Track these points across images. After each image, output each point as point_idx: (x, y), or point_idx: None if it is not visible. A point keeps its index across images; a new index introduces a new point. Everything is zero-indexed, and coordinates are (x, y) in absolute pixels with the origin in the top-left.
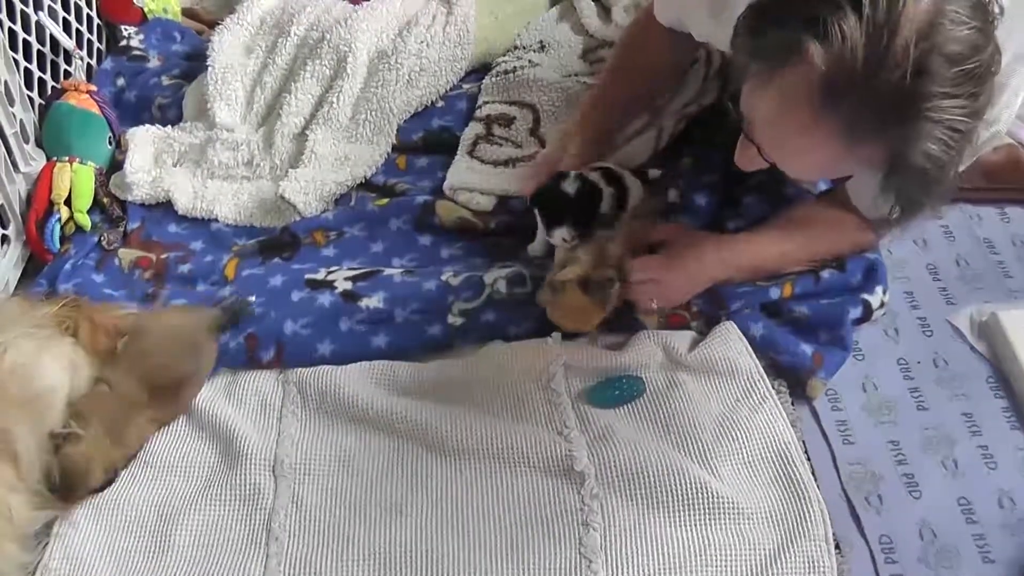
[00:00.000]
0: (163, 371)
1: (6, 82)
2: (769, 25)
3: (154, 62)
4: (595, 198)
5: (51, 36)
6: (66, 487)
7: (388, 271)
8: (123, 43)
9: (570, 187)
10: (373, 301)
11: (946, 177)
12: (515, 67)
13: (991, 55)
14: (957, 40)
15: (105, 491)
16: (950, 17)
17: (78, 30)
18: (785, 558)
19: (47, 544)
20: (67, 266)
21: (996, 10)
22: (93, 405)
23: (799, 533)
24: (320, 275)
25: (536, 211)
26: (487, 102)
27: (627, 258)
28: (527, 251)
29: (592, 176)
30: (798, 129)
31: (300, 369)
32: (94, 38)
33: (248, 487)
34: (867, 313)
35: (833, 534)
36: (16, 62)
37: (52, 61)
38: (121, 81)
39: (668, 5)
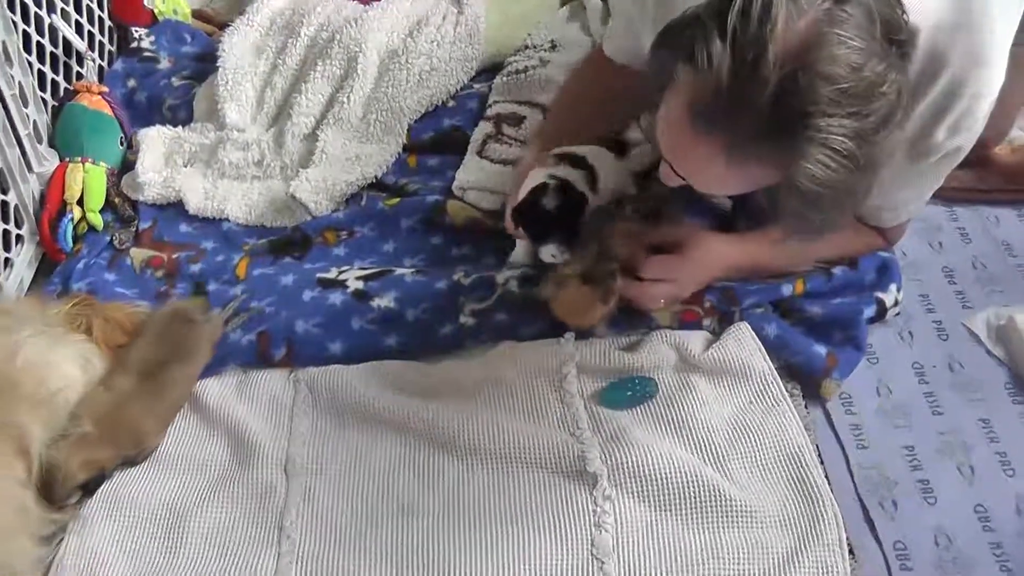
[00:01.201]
0: (144, 352)
1: (20, 83)
2: (658, 51)
3: (164, 63)
4: (578, 206)
5: (64, 38)
6: (46, 486)
7: (399, 271)
8: (134, 45)
9: (551, 203)
10: (384, 301)
11: (843, 199)
12: (526, 67)
13: (878, 73)
14: (832, 59)
15: (120, 489)
16: (827, 38)
17: (90, 32)
18: (798, 563)
19: (62, 541)
20: (80, 265)
21: (900, 25)
22: (84, 404)
23: (812, 538)
24: (331, 274)
25: (521, 228)
26: (497, 101)
27: (640, 254)
28: (508, 260)
29: (566, 174)
30: (683, 148)
31: (311, 368)
32: (105, 40)
33: (260, 485)
34: (881, 312)
35: (847, 539)
36: (30, 64)
37: (64, 63)
38: (132, 82)
39: (622, 37)
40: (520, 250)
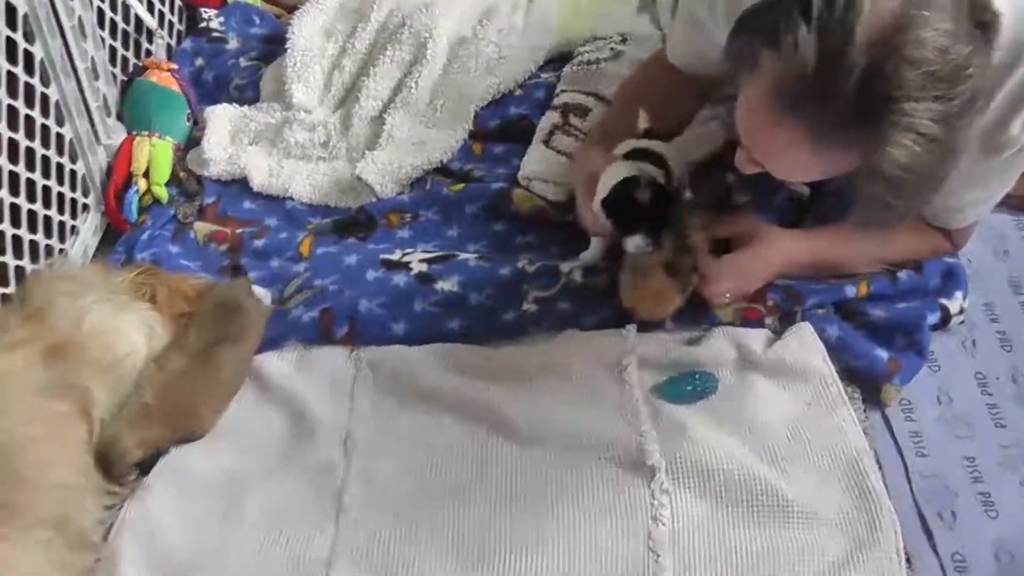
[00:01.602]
0: (195, 334)
1: (92, 58)
2: (739, 36)
3: (233, 44)
4: (668, 199)
5: (135, 15)
6: (104, 462)
7: (463, 255)
8: (203, 25)
9: (644, 195)
10: (448, 284)
11: (924, 183)
12: (598, 59)
13: (964, 56)
14: (919, 43)
15: (181, 458)
16: (914, 21)
17: (160, 11)
18: (854, 567)
19: (123, 506)
20: (144, 236)
21: (986, 5)
22: (141, 381)
23: (869, 543)
24: (395, 256)
25: (608, 220)
26: (565, 90)
27: (704, 249)
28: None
29: (653, 171)
30: (765, 134)
31: (373, 347)
32: (175, 19)
33: (319, 461)
34: (945, 318)
35: (903, 547)
36: (102, 39)
37: (135, 40)
38: (199, 61)
39: (686, 41)
40: (595, 248)
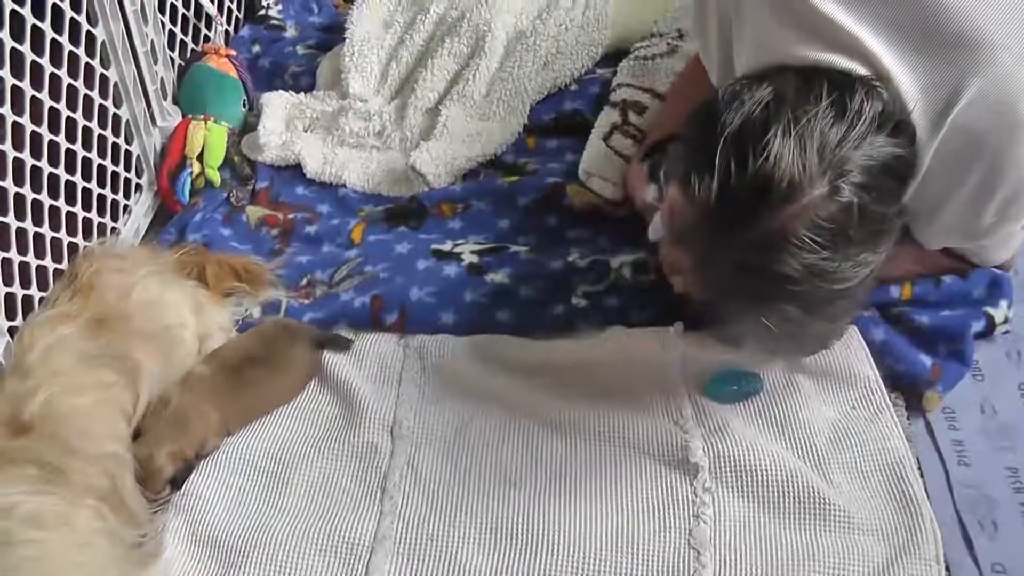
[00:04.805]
0: (234, 349)
1: (152, 41)
2: (687, 135)
3: (291, 32)
4: None
5: (195, 1)
6: (141, 480)
7: (514, 248)
8: (261, 13)
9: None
10: (498, 276)
11: (779, 345)
12: (654, 54)
13: (842, 272)
14: (792, 266)
15: (234, 438)
16: (800, 243)
17: None
18: (894, 573)
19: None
20: (196, 218)
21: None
22: (169, 395)
23: (909, 550)
24: (446, 246)
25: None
26: (622, 84)
27: None
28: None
29: None
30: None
31: (422, 335)
32: (233, 6)
33: (365, 445)
34: (990, 327)
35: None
36: (162, 24)
37: (194, 25)
38: (257, 48)
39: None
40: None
